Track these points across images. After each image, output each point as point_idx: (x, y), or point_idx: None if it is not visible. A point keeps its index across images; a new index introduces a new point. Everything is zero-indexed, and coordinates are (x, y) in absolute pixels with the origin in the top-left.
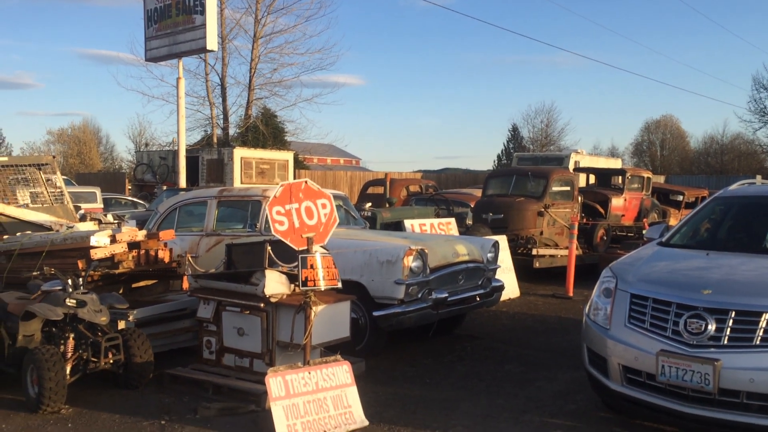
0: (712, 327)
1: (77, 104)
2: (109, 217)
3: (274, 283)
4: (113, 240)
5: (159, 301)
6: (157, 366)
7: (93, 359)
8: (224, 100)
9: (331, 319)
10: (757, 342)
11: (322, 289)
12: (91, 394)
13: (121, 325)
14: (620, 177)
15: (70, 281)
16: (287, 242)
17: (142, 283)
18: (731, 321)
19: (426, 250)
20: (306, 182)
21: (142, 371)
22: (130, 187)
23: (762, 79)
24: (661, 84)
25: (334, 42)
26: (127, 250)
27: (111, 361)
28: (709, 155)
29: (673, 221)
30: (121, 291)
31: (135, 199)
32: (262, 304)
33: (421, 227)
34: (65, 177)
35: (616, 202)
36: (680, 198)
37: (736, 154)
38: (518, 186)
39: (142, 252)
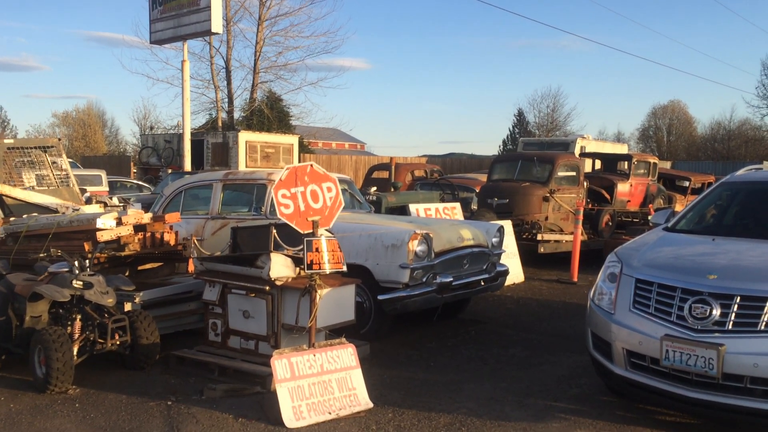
0: (716, 312)
1: (82, 87)
2: (115, 200)
3: (280, 267)
4: (119, 222)
5: (165, 284)
6: (163, 348)
7: (100, 340)
8: (229, 83)
9: (335, 303)
10: (762, 327)
11: (327, 273)
12: (98, 375)
13: (128, 306)
14: (626, 162)
15: (76, 263)
16: (293, 225)
17: (147, 266)
18: (736, 306)
19: (431, 235)
20: (311, 165)
21: (149, 353)
22: (135, 171)
23: None
24: (669, 69)
25: (339, 25)
26: (133, 232)
27: (118, 343)
28: (715, 141)
29: (678, 207)
30: (127, 273)
31: (140, 183)
32: (267, 287)
33: (426, 212)
34: (70, 160)
35: (622, 187)
36: (686, 184)
37: (743, 140)
38: (524, 171)
39: (148, 235)
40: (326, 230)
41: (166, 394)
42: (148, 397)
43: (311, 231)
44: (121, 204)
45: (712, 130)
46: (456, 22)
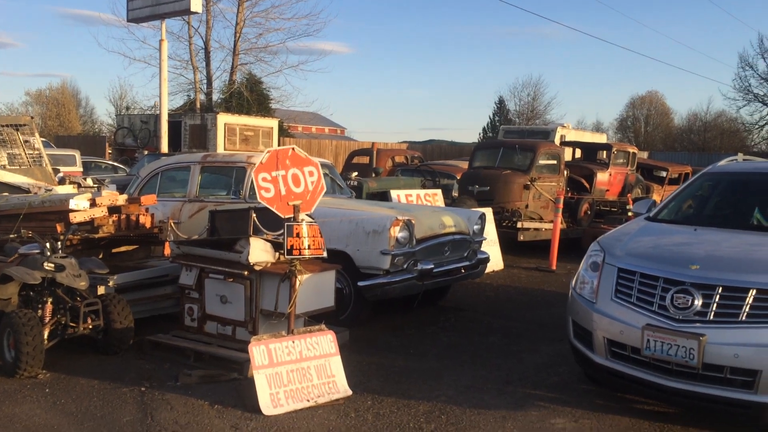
0: (698, 302)
1: (57, 65)
2: (89, 181)
3: (259, 251)
4: (93, 204)
5: (140, 267)
6: (137, 332)
7: (71, 324)
8: (208, 64)
9: (315, 288)
10: (743, 318)
11: (308, 258)
12: (69, 360)
13: (101, 290)
14: (606, 152)
15: (48, 245)
16: (273, 210)
17: (122, 249)
18: (718, 297)
19: (413, 221)
20: (293, 149)
21: (122, 337)
22: (110, 151)
23: (748, 56)
24: (648, 59)
25: (321, 8)
26: (107, 214)
27: (90, 327)
28: (692, 132)
29: (656, 197)
30: (100, 256)
31: (115, 164)
32: (246, 272)
33: (408, 198)
34: (44, 139)
35: (602, 176)
36: (664, 174)
37: (718, 132)
38: (505, 159)
39: (123, 217)
40: (307, 215)
41: (140, 379)
42: (121, 382)
43: (292, 216)
44: (96, 185)
45: (688, 121)
46: (437, 9)
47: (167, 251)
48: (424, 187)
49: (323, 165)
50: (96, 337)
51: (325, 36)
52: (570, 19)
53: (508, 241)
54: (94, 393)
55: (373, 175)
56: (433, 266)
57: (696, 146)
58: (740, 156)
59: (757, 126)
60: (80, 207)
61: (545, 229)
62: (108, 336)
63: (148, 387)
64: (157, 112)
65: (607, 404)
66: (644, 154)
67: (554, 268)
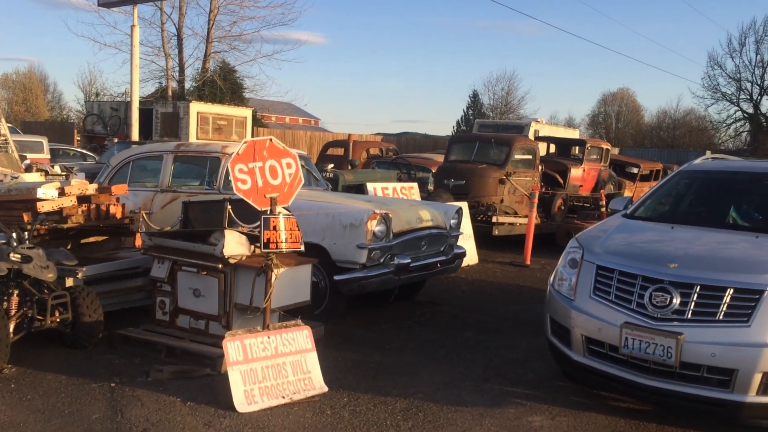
0: (676, 301)
1: (24, 50)
2: (57, 169)
3: (234, 244)
4: (62, 193)
5: (110, 259)
6: (107, 326)
7: (38, 317)
8: (180, 51)
9: (291, 282)
10: (721, 317)
11: (284, 252)
12: (36, 354)
13: (69, 282)
14: (580, 147)
15: (14, 235)
16: (250, 202)
17: (92, 239)
18: (696, 295)
19: (390, 215)
20: (271, 140)
21: (91, 331)
22: (79, 138)
23: (717, 56)
24: (620, 56)
25: None
26: (76, 203)
27: (58, 320)
28: (661, 129)
29: (628, 193)
30: (69, 247)
31: (84, 151)
32: (220, 265)
33: (384, 191)
34: (10, 125)
35: (575, 172)
36: (635, 170)
37: (687, 129)
38: (481, 153)
39: (93, 206)
40: (284, 208)
41: (110, 375)
42: (89, 378)
43: (269, 208)
44: (64, 173)
45: (658, 118)
46: (412, 1)
47: (138, 242)
48: (400, 180)
49: (300, 157)
50: (64, 331)
51: (300, 26)
52: (544, 15)
53: (483, 236)
54: (61, 389)
55: (349, 167)
56: (410, 261)
57: (665, 143)
58: (708, 154)
59: (724, 124)
60: (48, 196)
61: (520, 224)
62: (76, 330)
63: (118, 383)
64: (128, 99)
65: (583, 401)
66: (615, 151)
67: (528, 263)
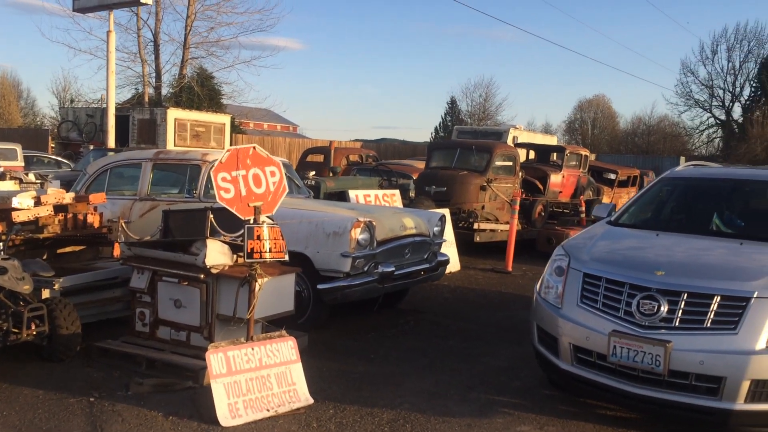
0: (664, 308)
1: None
2: (31, 176)
3: (216, 254)
4: (38, 202)
5: (87, 269)
6: (85, 338)
7: (14, 330)
8: (157, 57)
9: (274, 292)
10: (708, 324)
11: (268, 262)
12: (12, 368)
13: (46, 293)
14: (558, 154)
15: None
16: (233, 211)
17: (69, 249)
18: (683, 303)
19: (374, 223)
20: (254, 148)
21: (69, 344)
22: (53, 146)
23: (689, 63)
24: (596, 63)
25: (275, 3)
26: (53, 213)
27: (34, 333)
28: (636, 135)
29: (606, 199)
30: (45, 257)
31: (59, 158)
32: (202, 275)
33: (366, 198)
34: None
35: (555, 178)
36: (613, 176)
37: (661, 136)
38: (462, 159)
39: (70, 216)
40: (268, 217)
41: (88, 389)
42: (68, 392)
43: (252, 217)
44: (39, 181)
45: (633, 125)
46: (390, 7)
47: (117, 252)
48: (381, 187)
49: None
50: (41, 344)
51: (279, 32)
52: (522, 22)
53: (465, 243)
54: (39, 404)
55: (330, 174)
56: (394, 269)
57: (640, 149)
58: (682, 160)
59: (697, 131)
60: (24, 205)
61: (501, 231)
62: (54, 342)
63: (97, 397)
64: (104, 105)
65: (570, 410)
66: (592, 157)
67: (510, 269)
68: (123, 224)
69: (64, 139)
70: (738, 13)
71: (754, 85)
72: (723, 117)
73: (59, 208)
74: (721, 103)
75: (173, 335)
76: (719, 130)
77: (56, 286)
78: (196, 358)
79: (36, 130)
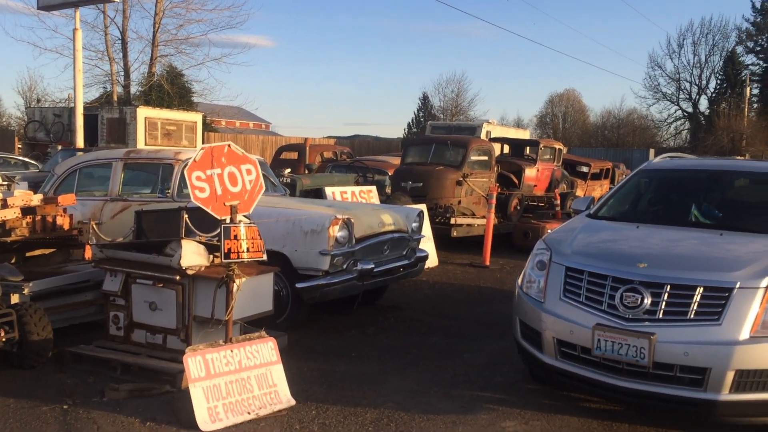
0: (647, 301)
1: None
2: None
3: (192, 254)
4: (4, 204)
5: (58, 272)
6: (56, 343)
7: None
8: (125, 55)
9: (253, 292)
10: (692, 316)
11: (246, 262)
12: None
13: (15, 299)
14: (532, 148)
15: None
16: (209, 211)
17: (37, 252)
18: (666, 295)
19: (352, 220)
20: (229, 146)
21: (40, 350)
22: (20, 146)
23: (656, 56)
24: (566, 57)
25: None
26: (20, 215)
27: (3, 340)
28: (606, 129)
29: (579, 192)
30: (13, 261)
31: (26, 159)
32: (177, 277)
33: (343, 195)
34: None
35: (530, 172)
36: (586, 169)
37: (631, 128)
38: (437, 155)
39: (38, 218)
40: (244, 216)
41: (62, 396)
42: (40, 400)
43: (229, 217)
44: (5, 183)
45: (603, 118)
46: (360, 3)
47: (88, 254)
48: (357, 183)
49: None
50: (10, 351)
51: (249, 29)
52: (493, 17)
53: (442, 237)
54: (9, 413)
55: (306, 171)
56: (373, 266)
57: (611, 142)
58: (652, 152)
59: (665, 123)
60: None
61: (478, 225)
62: (24, 349)
63: (71, 404)
64: (71, 104)
65: (554, 404)
66: (565, 150)
67: (488, 263)
68: (94, 226)
69: (31, 140)
70: (703, 7)
71: (719, 77)
72: (690, 109)
73: (27, 211)
74: (688, 96)
75: (149, 338)
76: (687, 122)
77: (26, 291)
78: (174, 362)
79: (2, 131)
